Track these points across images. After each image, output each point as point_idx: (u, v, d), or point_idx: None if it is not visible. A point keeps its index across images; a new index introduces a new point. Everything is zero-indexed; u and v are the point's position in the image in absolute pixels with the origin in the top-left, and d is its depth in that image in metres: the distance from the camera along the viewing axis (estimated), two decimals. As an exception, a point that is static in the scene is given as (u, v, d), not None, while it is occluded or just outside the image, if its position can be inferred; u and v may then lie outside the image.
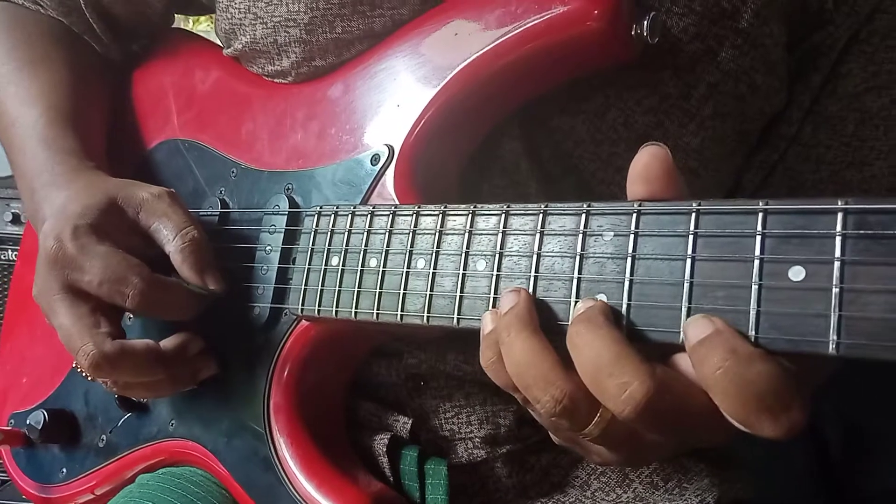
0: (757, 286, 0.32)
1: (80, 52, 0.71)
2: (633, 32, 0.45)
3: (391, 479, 0.54)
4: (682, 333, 0.34)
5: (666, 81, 0.51)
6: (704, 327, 0.32)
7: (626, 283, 0.36)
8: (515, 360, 0.36)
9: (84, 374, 0.52)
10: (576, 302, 0.38)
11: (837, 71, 0.55)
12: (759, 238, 0.33)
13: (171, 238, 0.53)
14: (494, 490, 0.56)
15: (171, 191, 0.56)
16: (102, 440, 0.64)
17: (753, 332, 0.32)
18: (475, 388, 0.56)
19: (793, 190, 0.59)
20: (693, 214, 0.35)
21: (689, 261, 0.35)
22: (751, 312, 0.32)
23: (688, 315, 0.34)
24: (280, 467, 0.51)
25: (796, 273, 0.32)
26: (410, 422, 0.56)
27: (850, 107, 0.55)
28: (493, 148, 0.53)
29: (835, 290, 0.31)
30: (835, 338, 0.30)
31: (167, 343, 0.53)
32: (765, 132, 0.57)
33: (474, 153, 0.53)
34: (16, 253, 1.21)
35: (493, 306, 0.41)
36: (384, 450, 0.54)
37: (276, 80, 0.61)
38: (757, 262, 0.33)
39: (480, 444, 0.56)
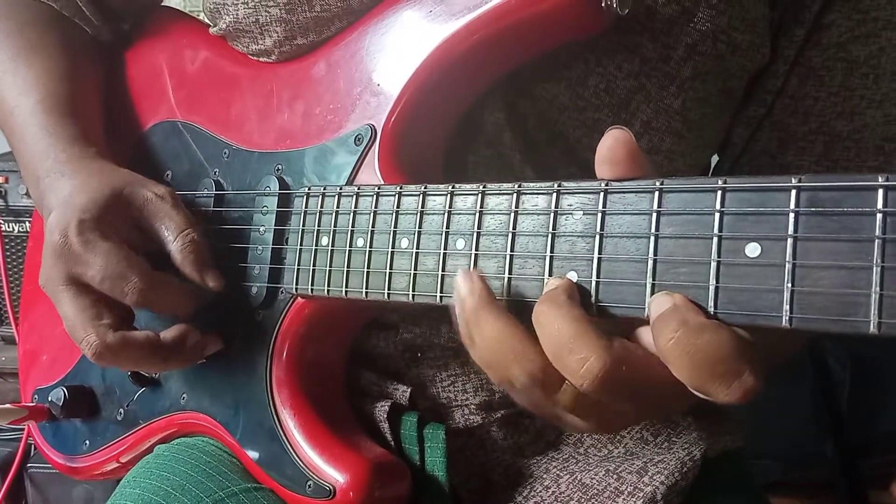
0: (716, 263, 0.34)
1: (72, 35, 0.72)
2: (602, 4, 0.45)
3: (392, 443, 0.57)
4: (647, 309, 0.35)
5: (644, 45, 0.51)
6: (664, 303, 0.33)
7: (595, 261, 0.38)
8: (487, 342, 0.37)
9: None
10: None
11: (820, 22, 0.54)
12: (717, 216, 0.34)
13: (172, 239, 0.55)
14: (492, 451, 0.59)
15: (172, 191, 0.58)
16: (120, 414, 0.68)
17: (713, 308, 0.34)
18: (470, 358, 0.57)
19: (782, 143, 0.59)
20: (656, 193, 0.36)
21: (652, 238, 0.36)
22: (710, 288, 0.34)
23: (652, 291, 0.35)
24: (284, 437, 0.54)
25: (752, 249, 0.33)
26: (409, 390, 0.58)
27: (836, 56, 0.55)
28: (475, 120, 0.54)
29: (788, 266, 0.32)
30: (788, 312, 0.32)
31: (167, 334, 0.55)
32: (750, 88, 0.57)
33: (458, 126, 0.54)
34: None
35: (474, 284, 0.43)
36: (385, 416, 0.57)
37: (260, 59, 0.61)
38: (716, 240, 0.34)
39: (476, 410, 0.58)
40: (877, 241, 0.30)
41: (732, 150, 0.61)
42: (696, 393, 0.33)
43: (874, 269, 0.30)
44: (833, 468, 1.51)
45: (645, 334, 0.35)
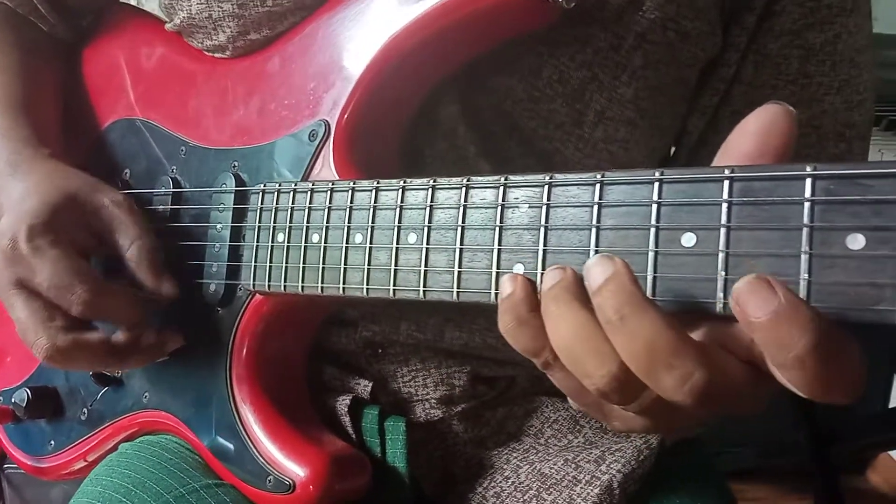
0: (653, 252, 0.34)
1: (27, 34, 0.72)
2: (549, -1, 0.45)
3: (353, 436, 0.57)
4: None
5: (595, 35, 0.52)
6: (768, 298, 0.29)
7: (541, 253, 0.38)
8: (566, 333, 0.34)
9: None
10: (497, 273, 0.40)
11: (772, 9, 0.55)
12: (654, 207, 0.35)
13: (126, 246, 0.55)
14: (453, 444, 0.59)
15: (128, 197, 0.58)
16: (84, 413, 0.67)
17: (651, 296, 0.34)
18: (430, 353, 0.58)
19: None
20: (597, 185, 0.37)
21: (594, 230, 0.36)
22: (648, 277, 0.34)
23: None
24: (245, 433, 0.54)
25: (688, 239, 0.34)
26: (371, 385, 0.59)
27: (791, 44, 0.56)
28: (430, 114, 0.54)
29: (721, 255, 0.32)
30: (721, 299, 0.32)
31: (120, 336, 0.55)
32: (704, 76, 0.58)
33: (414, 120, 0.54)
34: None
35: (425, 278, 0.43)
36: (346, 410, 0.57)
37: (215, 55, 0.61)
38: (653, 230, 0.34)
39: (436, 405, 0.59)
40: (804, 229, 0.30)
41: (688, 139, 0.62)
42: (794, 389, 0.30)
43: (802, 256, 0.30)
44: (806, 454, 1.53)
45: (723, 329, 0.33)
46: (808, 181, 0.31)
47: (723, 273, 0.32)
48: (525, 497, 0.54)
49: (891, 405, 1.74)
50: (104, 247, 0.56)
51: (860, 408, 1.75)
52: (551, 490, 0.54)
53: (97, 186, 0.57)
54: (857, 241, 0.30)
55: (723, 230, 0.32)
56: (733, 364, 0.32)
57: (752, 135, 0.33)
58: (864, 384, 0.30)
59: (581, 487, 0.52)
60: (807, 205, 0.30)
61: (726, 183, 0.33)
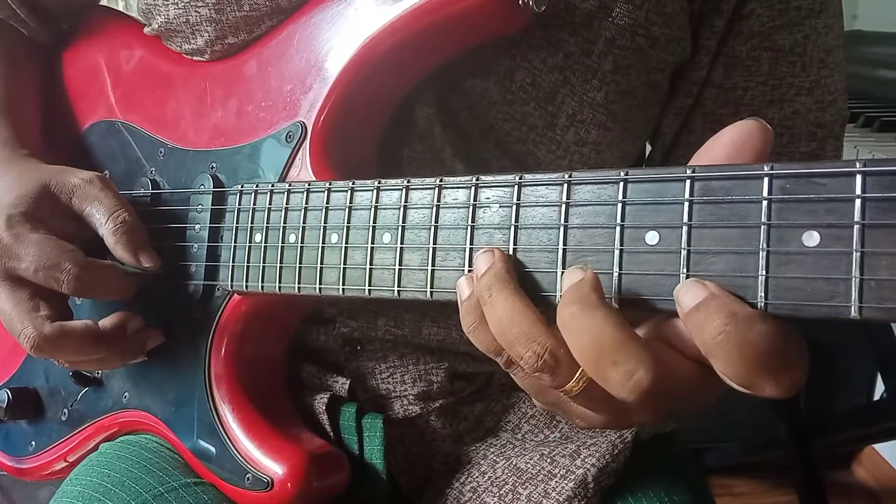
0: (618, 251, 0.35)
1: (7, 37, 0.72)
2: (519, 2, 0.46)
3: (331, 434, 0.58)
4: (556, 294, 0.37)
5: (566, 39, 0.53)
6: (698, 292, 0.31)
7: (511, 252, 0.39)
8: (498, 319, 0.35)
9: None
10: (470, 270, 0.40)
11: (740, 12, 0.56)
12: (620, 206, 0.35)
13: (103, 221, 0.55)
14: (431, 440, 0.60)
15: (101, 175, 0.57)
16: (65, 414, 0.67)
17: (616, 294, 0.35)
18: (408, 349, 0.59)
19: (716, 133, 0.60)
20: (565, 185, 0.37)
21: (562, 229, 0.37)
22: (614, 275, 0.35)
23: (562, 279, 0.37)
24: (224, 432, 0.54)
25: (652, 237, 0.35)
26: (348, 382, 0.59)
27: (761, 46, 0.57)
28: (407, 115, 0.55)
29: (683, 253, 0.33)
30: (683, 296, 0.33)
31: (106, 322, 0.55)
32: (675, 80, 0.59)
33: (392, 122, 0.55)
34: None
35: (399, 277, 0.44)
36: (324, 408, 0.58)
37: (194, 58, 0.62)
38: (618, 229, 0.35)
39: (414, 401, 0.59)
40: (762, 227, 0.31)
41: (662, 141, 0.63)
42: (737, 387, 0.31)
43: (760, 253, 0.31)
44: (788, 450, 1.55)
45: (669, 328, 0.35)
46: (766, 180, 0.32)
47: (684, 270, 0.33)
48: (501, 491, 0.55)
49: (875, 399, 1.76)
50: (84, 230, 0.56)
51: (844, 402, 1.77)
52: (527, 484, 0.54)
53: (68, 170, 0.57)
54: (812, 239, 0.31)
55: (684, 228, 0.33)
56: (678, 361, 0.34)
57: (725, 145, 0.35)
58: (800, 379, 0.31)
59: (556, 481, 0.53)
60: (764, 203, 0.31)
61: (687, 182, 0.34)
